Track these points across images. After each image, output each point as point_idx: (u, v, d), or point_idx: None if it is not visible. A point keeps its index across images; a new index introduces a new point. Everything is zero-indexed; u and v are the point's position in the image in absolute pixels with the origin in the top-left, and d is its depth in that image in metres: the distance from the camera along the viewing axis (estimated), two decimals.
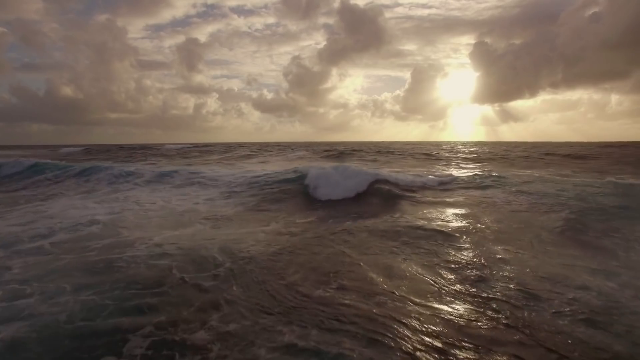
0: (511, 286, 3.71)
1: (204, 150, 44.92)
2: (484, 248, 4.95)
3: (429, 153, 32.28)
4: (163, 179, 11.28)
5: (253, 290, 3.78)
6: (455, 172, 13.32)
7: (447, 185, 10.22)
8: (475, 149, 45.40)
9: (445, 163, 21.77)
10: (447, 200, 8.54)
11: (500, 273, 4.06)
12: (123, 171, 11.69)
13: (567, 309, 3.24)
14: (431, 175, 12.26)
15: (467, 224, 6.22)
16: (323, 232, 6.08)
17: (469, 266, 4.30)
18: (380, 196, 8.72)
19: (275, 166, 18.11)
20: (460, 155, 29.77)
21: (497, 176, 11.68)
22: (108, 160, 25.09)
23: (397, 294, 3.63)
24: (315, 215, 7.40)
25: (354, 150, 37.04)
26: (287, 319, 3.20)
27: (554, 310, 3.22)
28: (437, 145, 68.72)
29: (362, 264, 4.51)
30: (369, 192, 8.99)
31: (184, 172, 12.58)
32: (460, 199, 8.56)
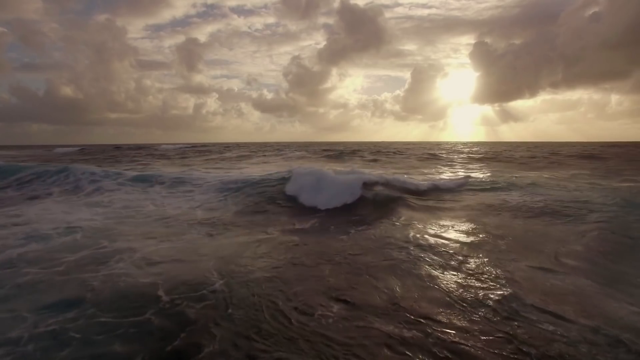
0: (538, 309, 3.22)
1: (202, 150, 44.33)
2: (504, 261, 4.44)
3: (432, 153, 31.81)
4: (153, 180, 10.59)
5: (250, 316, 3.15)
6: (464, 174, 12.74)
7: (460, 187, 9.64)
8: (477, 149, 45.04)
9: (449, 163, 21.24)
10: (461, 204, 7.95)
11: (524, 292, 3.56)
12: (110, 173, 11.00)
13: (602, 341, 2.73)
14: (440, 177, 11.73)
15: (484, 234, 5.68)
16: (326, 240, 5.51)
17: (490, 282, 3.82)
18: (386, 200, 8.05)
19: (273, 167, 17.53)
20: (463, 155, 29.30)
21: (508, 177, 11.17)
22: (105, 161, 24.50)
23: (414, 317, 3.14)
24: (316, 221, 6.77)
25: (355, 150, 36.55)
26: (292, 358, 2.57)
27: (590, 345, 2.70)
28: (438, 145, 68.43)
29: (372, 277, 4.01)
30: (372, 196, 8.29)
31: (177, 174, 11.93)
32: (475, 203, 7.97)
